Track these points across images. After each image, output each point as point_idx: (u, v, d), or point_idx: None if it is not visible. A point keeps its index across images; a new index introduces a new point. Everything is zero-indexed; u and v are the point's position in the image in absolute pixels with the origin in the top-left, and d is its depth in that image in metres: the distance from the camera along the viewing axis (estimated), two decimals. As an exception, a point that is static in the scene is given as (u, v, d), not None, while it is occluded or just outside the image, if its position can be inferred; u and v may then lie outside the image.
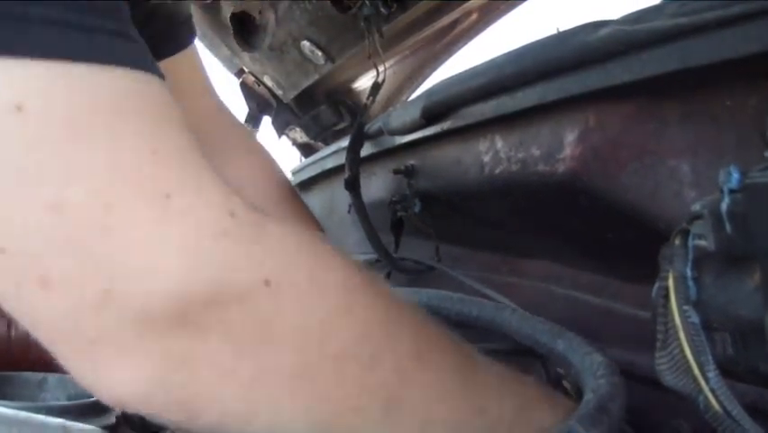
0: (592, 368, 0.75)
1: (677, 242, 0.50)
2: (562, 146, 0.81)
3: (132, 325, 0.44)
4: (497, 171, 0.94)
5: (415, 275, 1.31)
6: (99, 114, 0.44)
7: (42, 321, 0.45)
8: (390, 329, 0.53)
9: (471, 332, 0.99)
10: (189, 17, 0.92)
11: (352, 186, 1.26)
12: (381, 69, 1.44)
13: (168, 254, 0.44)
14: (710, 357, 0.47)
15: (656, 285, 0.51)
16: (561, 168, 0.81)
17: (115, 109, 0.45)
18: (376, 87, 1.44)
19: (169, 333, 0.44)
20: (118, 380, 0.45)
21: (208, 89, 0.97)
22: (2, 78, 0.42)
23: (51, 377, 0.88)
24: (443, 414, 0.55)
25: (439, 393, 0.55)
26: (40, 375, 0.88)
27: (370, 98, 1.44)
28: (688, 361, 0.48)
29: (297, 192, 1.02)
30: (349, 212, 1.40)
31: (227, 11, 1.75)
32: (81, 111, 0.43)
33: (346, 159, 1.27)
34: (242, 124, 1.03)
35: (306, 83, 1.88)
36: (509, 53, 0.90)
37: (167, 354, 0.45)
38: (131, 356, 0.45)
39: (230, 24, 1.78)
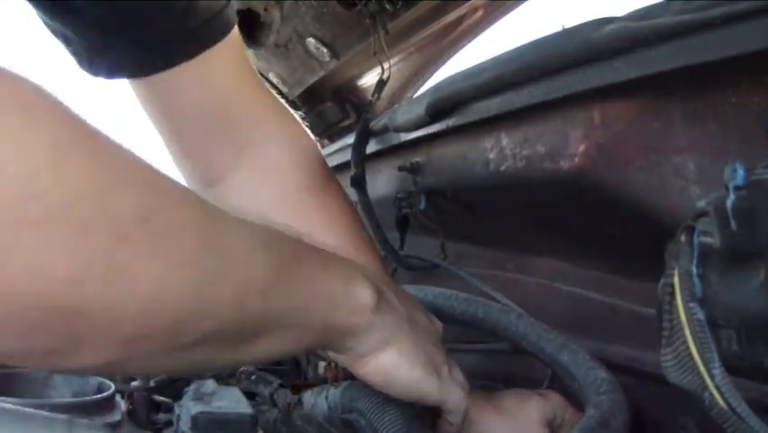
0: (595, 384, 0.75)
1: (682, 238, 0.50)
2: (567, 143, 0.81)
3: None
4: (502, 168, 0.94)
5: (420, 272, 1.32)
6: None
7: None
8: (109, 189, 0.47)
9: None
10: (225, 7, 0.94)
11: (358, 183, 1.26)
12: (386, 65, 1.44)
13: None
14: (715, 354, 0.47)
15: (661, 282, 0.51)
16: (566, 165, 0.81)
17: None
18: (381, 83, 1.44)
19: None
20: None
21: (247, 73, 0.99)
22: None
23: (57, 374, 0.89)
24: (174, 282, 0.50)
25: (170, 261, 0.50)
26: (45, 372, 0.88)
27: (376, 95, 1.44)
28: (693, 358, 0.48)
29: (328, 177, 1.03)
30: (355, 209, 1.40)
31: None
32: None
33: (352, 156, 1.27)
34: (278, 103, 1.04)
35: (311, 80, 1.88)
36: (514, 50, 0.90)
37: None
38: None
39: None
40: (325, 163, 1.06)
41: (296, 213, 0.96)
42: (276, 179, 0.98)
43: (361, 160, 1.27)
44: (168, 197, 0.52)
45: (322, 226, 0.95)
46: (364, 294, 0.69)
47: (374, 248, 0.99)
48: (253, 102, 1.00)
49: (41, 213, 0.43)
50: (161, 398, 0.86)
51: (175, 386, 0.89)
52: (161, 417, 0.85)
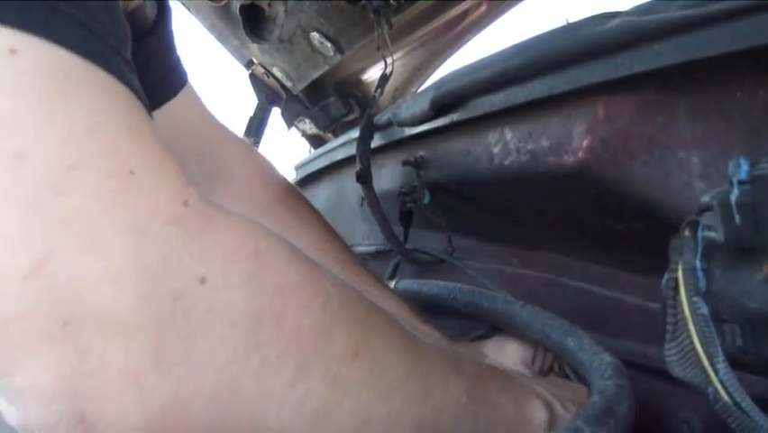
0: (600, 369, 0.75)
1: (686, 233, 0.50)
2: (572, 138, 0.81)
3: (54, 306, 0.39)
4: (506, 163, 0.94)
5: (425, 266, 1.32)
6: (83, 86, 0.43)
7: None
8: (324, 331, 0.48)
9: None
10: (179, 60, 0.97)
11: (364, 179, 1.26)
12: (390, 60, 1.44)
13: (114, 231, 0.40)
14: (719, 348, 0.48)
15: (666, 276, 0.51)
16: (570, 159, 0.81)
17: (98, 88, 0.44)
18: (385, 78, 1.44)
19: (89, 326, 0.39)
20: (25, 369, 0.39)
21: (206, 114, 1.04)
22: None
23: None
24: (383, 410, 0.52)
25: (378, 390, 0.52)
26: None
27: (379, 90, 1.44)
28: (697, 352, 0.48)
29: (296, 192, 1.06)
30: (361, 205, 1.41)
31: (237, 3, 1.76)
32: (73, 72, 0.42)
33: (357, 151, 1.27)
34: (236, 135, 1.08)
35: (315, 74, 1.88)
36: (518, 45, 0.90)
37: (81, 353, 0.39)
38: (43, 345, 0.39)
39: (239, 16, 1.78)
40: (289, 181, 1.10)
41: (273, 225, 0.98)
42: (250, 194, 1.02)
43: (367, 155, 1.27)
44: (374, 329, 0.54)
45: (303, 236, 0.97)
46: (537, 416, 0.69)
47: (349, 250, 1.02)
48: (216, 135, 1.04)
49: (260, 361, 0.45)
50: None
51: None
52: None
